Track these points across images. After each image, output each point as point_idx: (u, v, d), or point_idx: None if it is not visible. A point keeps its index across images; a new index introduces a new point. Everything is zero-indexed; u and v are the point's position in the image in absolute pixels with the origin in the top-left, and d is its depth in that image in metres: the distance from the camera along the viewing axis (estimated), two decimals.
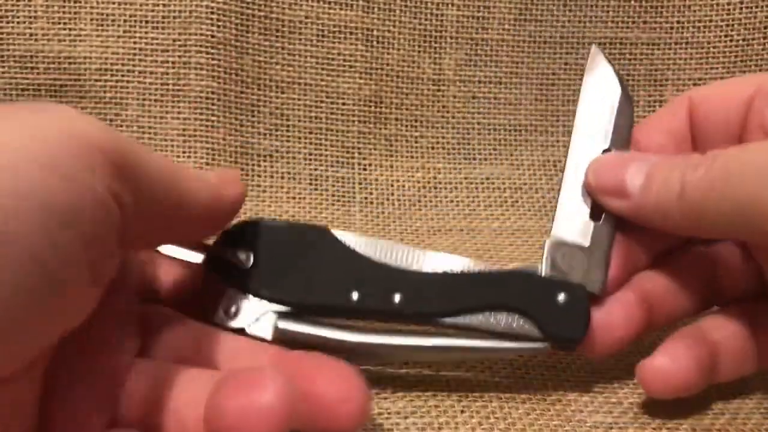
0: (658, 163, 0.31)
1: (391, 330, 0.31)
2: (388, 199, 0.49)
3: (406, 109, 0.50)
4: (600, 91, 0.34)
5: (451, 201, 0.49)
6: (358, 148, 0.49)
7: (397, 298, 0.31)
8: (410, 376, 0.34)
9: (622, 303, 0.32)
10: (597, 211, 0.33)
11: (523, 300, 0.31)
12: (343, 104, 0.49)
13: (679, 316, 0.34)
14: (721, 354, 0.32)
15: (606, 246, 0.33)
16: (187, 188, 0.27)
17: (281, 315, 0.31)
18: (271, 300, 0.31)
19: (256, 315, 0.31)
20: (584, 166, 0.33)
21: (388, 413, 0.31)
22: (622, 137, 0.34)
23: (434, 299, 0.31)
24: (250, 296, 0.31)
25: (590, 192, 0.33)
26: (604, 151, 0.34)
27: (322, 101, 0.49)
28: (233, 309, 0.31)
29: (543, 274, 0.32)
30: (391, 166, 0.49)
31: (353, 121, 0.49)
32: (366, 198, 0.49)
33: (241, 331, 0.31)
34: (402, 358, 0.33)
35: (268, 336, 0.31)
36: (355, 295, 0.31)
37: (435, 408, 0.32)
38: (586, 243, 0.32)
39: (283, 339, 0.31)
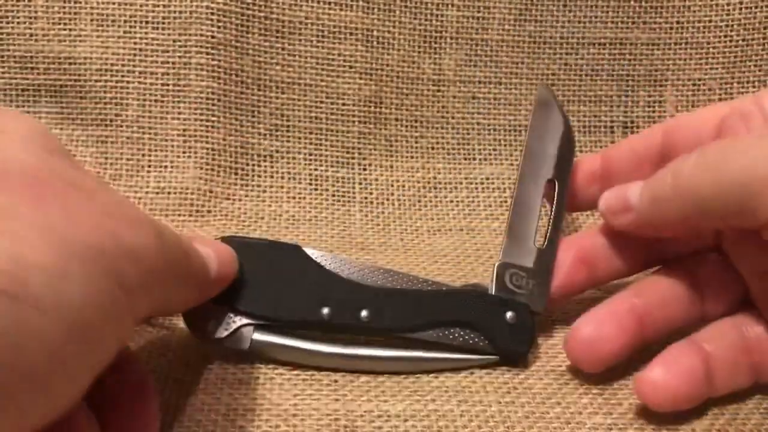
0: (651, 177, 0.34)
1: (358, 341, 0.35)
2: (388, 199, 0.49)
3: (406, 110, 0.50)
4: (546, 126, 0.39)
5: (451, 201, 0.49)
6: (358, 149, 0.49)
7: (363, 314, 0.34)
8: (410, 380, 0.34)
9: (612, 317, 0.34)
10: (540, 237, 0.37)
11: (476, 317, 0.35)
12: (343, 104, 0.49)
13: (669, 329, 0.34)
14: (715, 365, 0.32)
15: (548, 267, 0.36)
16: (199, 264, 0.29)
17: (257, 327, 0.33)
18: (247, 315, 0.33)
19: (234, 327, 0.33)
20: (530, 194, 0.38)
21: (388, 416, 0.32)
22: (565, 168, 0.39)
23: (397, 316, 0.34)
24: (229, 311, 0.33)
25: (605, 218, 0.36)
26: (548, 180, 0.38)
27: (322, 101, 0.49)
28: (212, 322, 0.33)
29: (492, 293, 0.36)
30: (391, 167, 0.49)
31: (353, 121, 0.49)
32: (366, 198, 0.49)
33: (219, 342, 0.33)
34: (368, 367, 0.34)
35: (245, 347, 0.33)
36: (325, 311, 0.34)
37: (434, 412, 0.32)
38: (530, 265, 0.36)
39: (258, 349, 0.34)
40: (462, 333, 0.34)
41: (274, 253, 0.35)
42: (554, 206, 0.38)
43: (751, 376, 0.33)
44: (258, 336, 0.33)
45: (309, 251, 0.35)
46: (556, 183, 0.38)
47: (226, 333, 0.33)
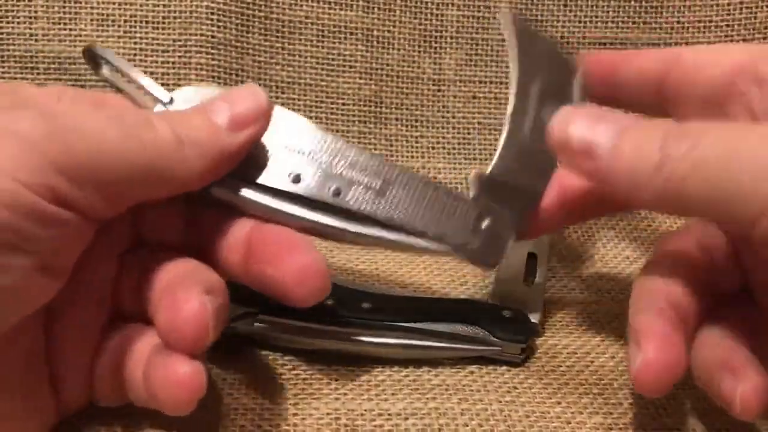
0: (632, 124, 0.28)
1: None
2: None
3: (407, 109, 0.50)
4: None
5: None
6: None
7: (365, 305, 0.35)
8: (410, 379, 0.34)
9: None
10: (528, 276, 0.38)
11: (474, 313, 0.36)
12: (343, 104, 0.49)
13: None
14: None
15: (542, 291, 0.38)
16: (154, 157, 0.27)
17: (261, 312, 0.35)
18: (252, 305, 0.34)
19: (239, 312, 0.34)
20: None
21: (389, 414, 0.32)
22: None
23: (399, 309, 0.35)
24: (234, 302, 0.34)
25: (553, 148, 0.30)
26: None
27: (322, 101, 0.49)
28: None
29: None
30: None
31: (353, 121, 0.49)
32: None
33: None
34: (369, 351, 0.35)
35: (249, 330, 0.34)
36: (329, 302, 0.34)
37: (435, 410, 0.32)
38: (524, 294, 0.38)
39: (262, 333, 0.34)
40: (461, 326, 0.35)
41: None
42: None
43: None
44: (262, 317, 0.34)
45: None
46: None
47: (232, 316, 0.34)
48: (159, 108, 0.31)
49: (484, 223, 0.32)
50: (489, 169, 0.33)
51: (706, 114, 0.31)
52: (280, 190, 0.30)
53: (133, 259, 0.30)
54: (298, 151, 0.31)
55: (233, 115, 0.29)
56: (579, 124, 0.28)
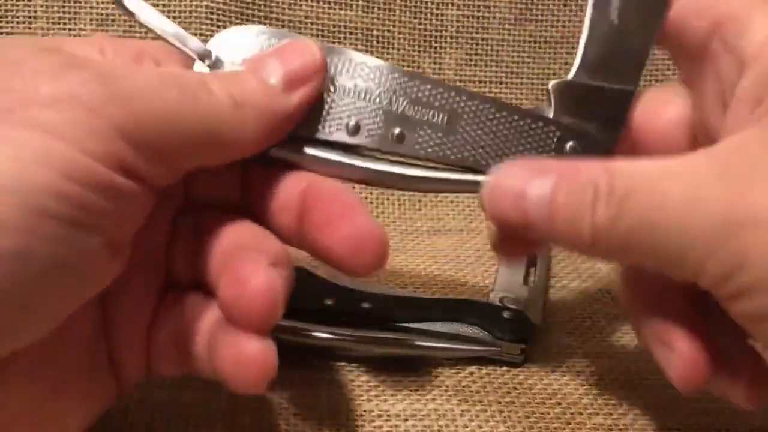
0: (557, 188, 0.26)
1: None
2: (388, 199, 0.49)
3: None
4: None
5: (451, 201, 0.49)
6: None
7: (365, 305, 0.35)
8: (410, 380, 0.34)
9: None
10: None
11: (473, 313, 0.36)
12: None
13: None
14: None
15: (542, 291, 0.38)
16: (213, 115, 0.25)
17: None
18: None
19: None
20: None
21: (388, 415, 0.31)
22: None
23: (399, 307, 0.36)
24: None
25: (491, 220, 0.28)
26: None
27: None
28: None
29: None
30: None
31: None
32: (366, 198, 0.48)
33: None
34: (369, 351, 0.35)
35: None
36: (329, 301, 0.35)
37: (434, 411, 0.32)
38: (524, 294, 0.38)
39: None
40: (461, 326, 0.35)
41: None
42: None
43: None
44: None
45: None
46: None
47: None
48: (198, 65, 0.28)
49: (568, 145, 0.29)
50: (571, 72, 0.30)
51: (693, 67, 0.29)
52: (338, 143, 0.28)
53: (186, 222, 0.28)
54: (353, 93, 0.28)
55: (287, 73, 0.27)
56: (509, 192, 0.27)
